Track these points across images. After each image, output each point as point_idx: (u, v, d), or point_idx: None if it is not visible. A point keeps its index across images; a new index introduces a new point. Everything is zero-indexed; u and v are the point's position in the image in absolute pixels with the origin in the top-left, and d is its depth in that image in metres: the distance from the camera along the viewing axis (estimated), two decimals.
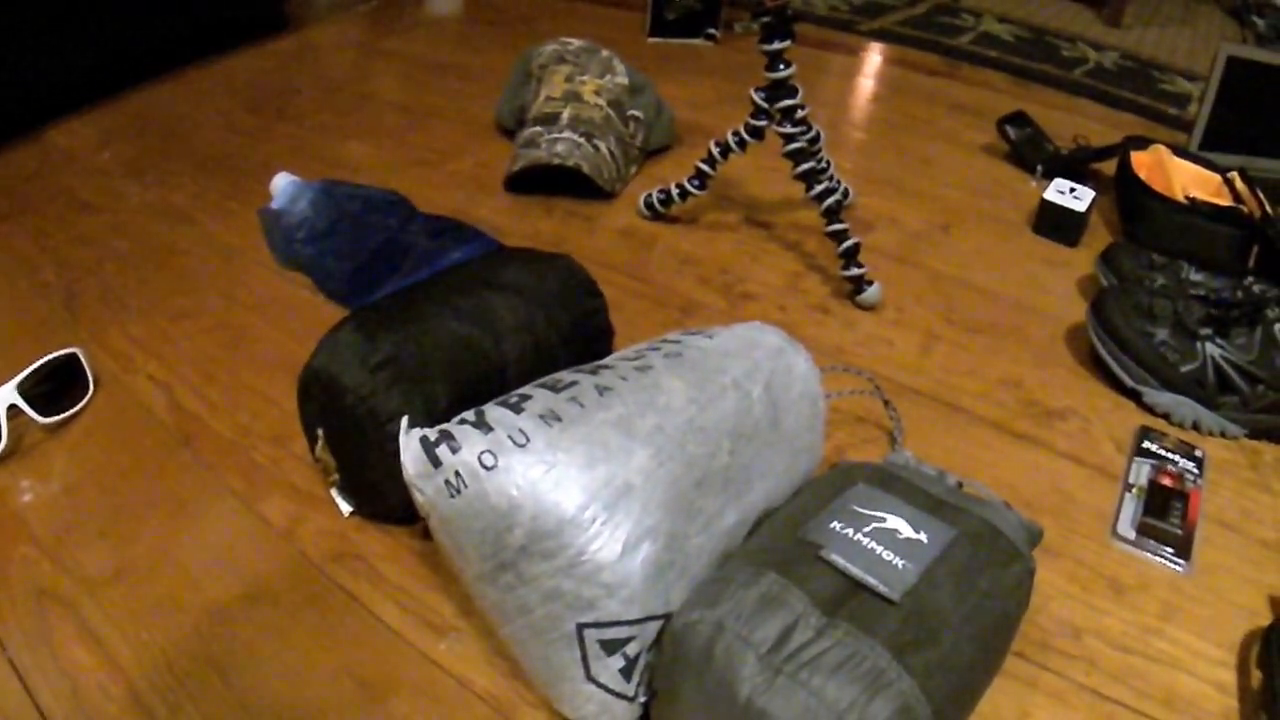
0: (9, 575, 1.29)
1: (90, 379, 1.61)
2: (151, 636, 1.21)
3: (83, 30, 2.54)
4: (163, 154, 2.40)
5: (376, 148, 2.44)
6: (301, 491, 1.43)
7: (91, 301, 1.84)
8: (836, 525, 1.08)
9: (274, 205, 2.01)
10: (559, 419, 1.06)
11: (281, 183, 2.06)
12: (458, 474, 1.02)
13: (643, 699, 1.08)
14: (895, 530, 1.08)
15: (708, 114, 2.57)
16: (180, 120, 2.58)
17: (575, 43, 2.41)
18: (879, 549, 1.04)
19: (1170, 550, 1.38)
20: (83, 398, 1.59)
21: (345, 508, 1.39)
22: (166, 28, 2.81)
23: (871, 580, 1.00)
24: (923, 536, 1.07)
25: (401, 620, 1.24)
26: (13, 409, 1.49)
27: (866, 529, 1.07)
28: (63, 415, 1.55)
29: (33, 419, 1.51)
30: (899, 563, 1.03)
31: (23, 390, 1.50)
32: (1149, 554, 1.37)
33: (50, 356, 1.56)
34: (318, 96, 2.75)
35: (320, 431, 1.35)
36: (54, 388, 1.56)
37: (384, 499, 1.29)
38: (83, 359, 1.60)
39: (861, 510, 1.11)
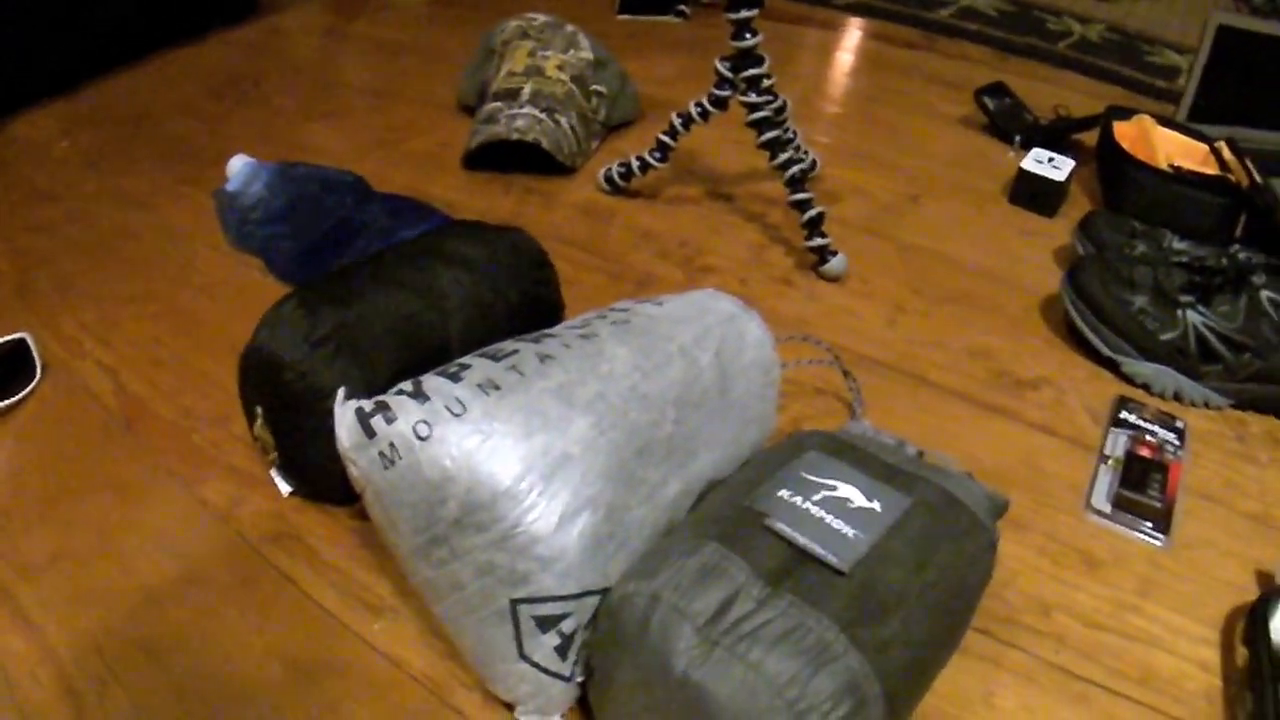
0: None
1: (38, 364, 1.59)
2: (86, 622, 1.19)
3: (51, 21, 2.52)
4: (124, 142, 2.38)
5: (338, 130, 2.43)
6: (241, 472, 1.41)
7: (44, 289, 1.83)
8: (784, 493, 1.04)
9: (229, 187, 1.99)
10: (497, 388, 1.04)
11: (237, 164, 2.04)
12: (392, 445, 1.00)
13: (579, 679, 1.06)
14: (846, 499, 1.04)
15: (674, 89, 2.55)
16: (143, 108, 2.57)
17: (540, 18, 2.39)
18: (828, 518, 1.01)
19: (1149, 524, 1.35)
20: (29, 383, 1.57)
21: (284, 488, 1.37)
22: (137, 16, 2.78)
23: (819, 550, 0.96)
24: (876, 505, 1.03)
25: (337, 601, 1.23)
26: None
27: (816, 497, 1.03)
28: (8, 401, 1.53)
29: None
30: (849, 532, 0.99)
31: None
32: (1126, 528, 1.34)
33: None
34: (282, 81, 2.74)
35: (259, 409, 1.33)
36: (1, 373, 1.54)
37: (322, 477, 1.29)
38: (31, 344, 1.59)
39: (811, 478, 1.07)
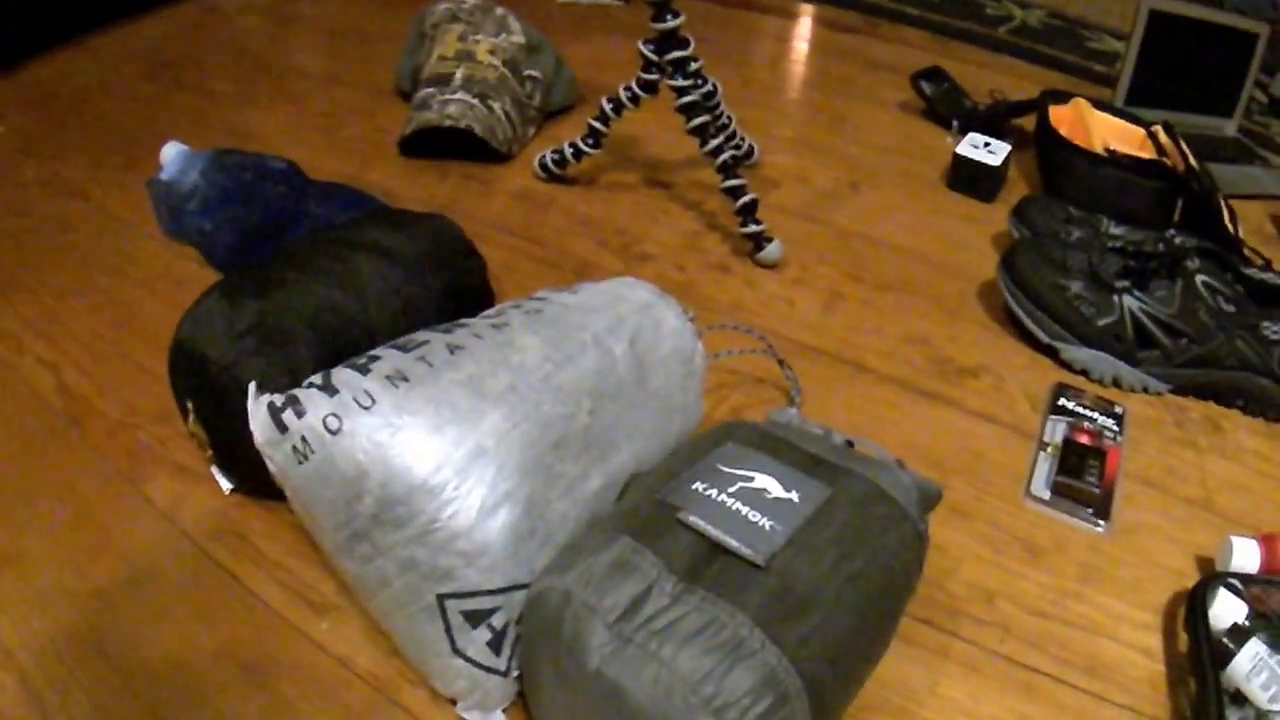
0: None
1: None
2: (42, 625, 1.19)
3: None
4: (58, 126, 2.36)
5: (275, 115, 2.41)
6: (185, 470, 1.41)
7: None
8: (699, 486, 1.03)
9: (163, 176, 1.97)
10: (405, 379, 1.04)
11: (171, 153, 2.01)
12: (304, 439, 1.00)
13: (516, 673, 1.06)
14: (764, 490, 1.03)
15: (616, 75, 2.51)
16: (79, 91, 2.54)
17: (469, 1, 2.37)
18: (744, 509, 1.00)
19: (1089, 510, 1.35)
20: None
21: (225, 485, 1.37)
22: None
23: (733, 542, 0.95)
24: (794, 496, 1.02)
25: (282, 599, 1.23)
26: None
27: (731, 489, 1.03)
28: None
29: None
30: (766, 524, 0.98)
31: None
32: (1065, 515, 1.35)
33: None
34: (220, 64, 2.71)
35: (190, 404, 1.32)
36: None
37: (256, 473, 1.25)
38: None
39: (726, 470, 1.06)
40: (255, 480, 1.28)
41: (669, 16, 1.74)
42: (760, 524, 0.98)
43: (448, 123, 2.06)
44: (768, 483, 1.04)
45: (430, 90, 2.16)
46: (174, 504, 1.35)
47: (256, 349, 1.22)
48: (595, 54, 2.69)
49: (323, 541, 1.07)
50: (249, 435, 1.12)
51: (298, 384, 1.07)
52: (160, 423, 1.48)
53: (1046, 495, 1.37)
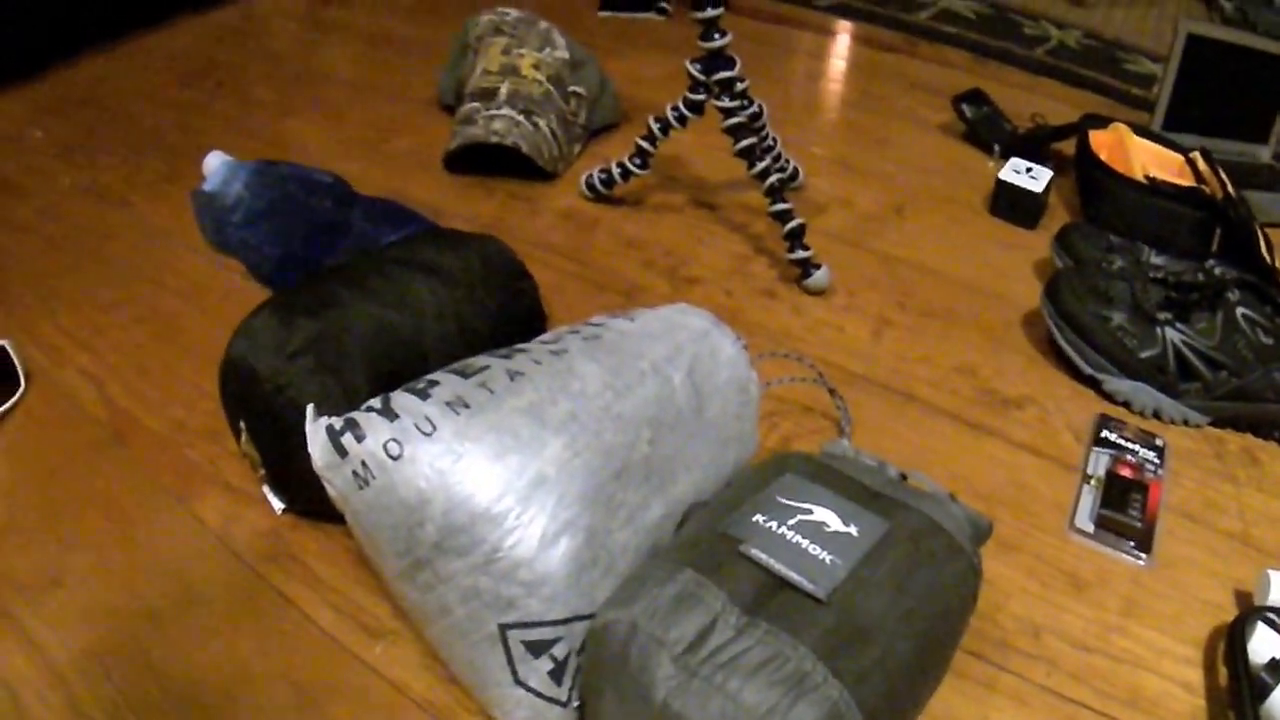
0: None
1: (21, 374, 1.57)
2: (90, 643, 1.18)
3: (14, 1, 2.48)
4: (96, 132, 2.36)
5: (316, 125, 2.42)
6: (235, 489, 1.40)
7: (21, 290, 1.80)
8: (760, 518, 1.04)
9: (206, 187, 1.97)
10: (467, 406, 1.03)
11: (214, 163, 2.01)
12: (364, 464, 1.00)
13: (576, 703, 1.06)
14: (823, 523, 1.03)
15: (658, 91, 2.53)
16: (115, 96, 2.54)
17: (513, 13, 2.37)
18: (805, 543, 1.00)
19: (1131, 543, 1.35)
20: (14, 394, 1.54)
21: (277, 505, 1.36)
22: None
23: (796, 577, 0.96)
24: (853, 530, 1.03)
25: (336, 623, 1.22)
26: None
27: (791, 522, 1.03)
28: None
29: None
30: (826, 558, 0.99)
31: None
32: (1108, 548, 1.35)
33: None
34: (258, 71, 2.72)
35: (243, 424, 1.32)
36: None
37: (311, 493, 1.24)
38: (12, 353, 1.57)
39: (787, 502, 1.06)
40: (309, 501, 1.31)
41: (716, 35, 1.74)
42: (820, 558, 0.98)
43: (494, 139, 2.06)
44: (827, 516, 1.04)
45: (475, 105, 2.15)
46: (225, 524, 1.34)
47: (311, 369, 1.22)
48: (635, 69, 2.69)
49: (383, 567, 1.08)
50: (303, 456, 1.12)
51: (352, 405, 1.07)
52: (209, 440, 1.47)
53: (1090, 528, 1.37)
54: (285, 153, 2.21)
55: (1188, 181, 2.00)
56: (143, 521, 1.35)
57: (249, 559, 1.29)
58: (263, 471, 1.34)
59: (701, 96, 1.84)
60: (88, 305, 1.76)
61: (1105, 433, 1.52)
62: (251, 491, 1.39)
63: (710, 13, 1.71)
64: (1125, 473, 1.45)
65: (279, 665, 1.17)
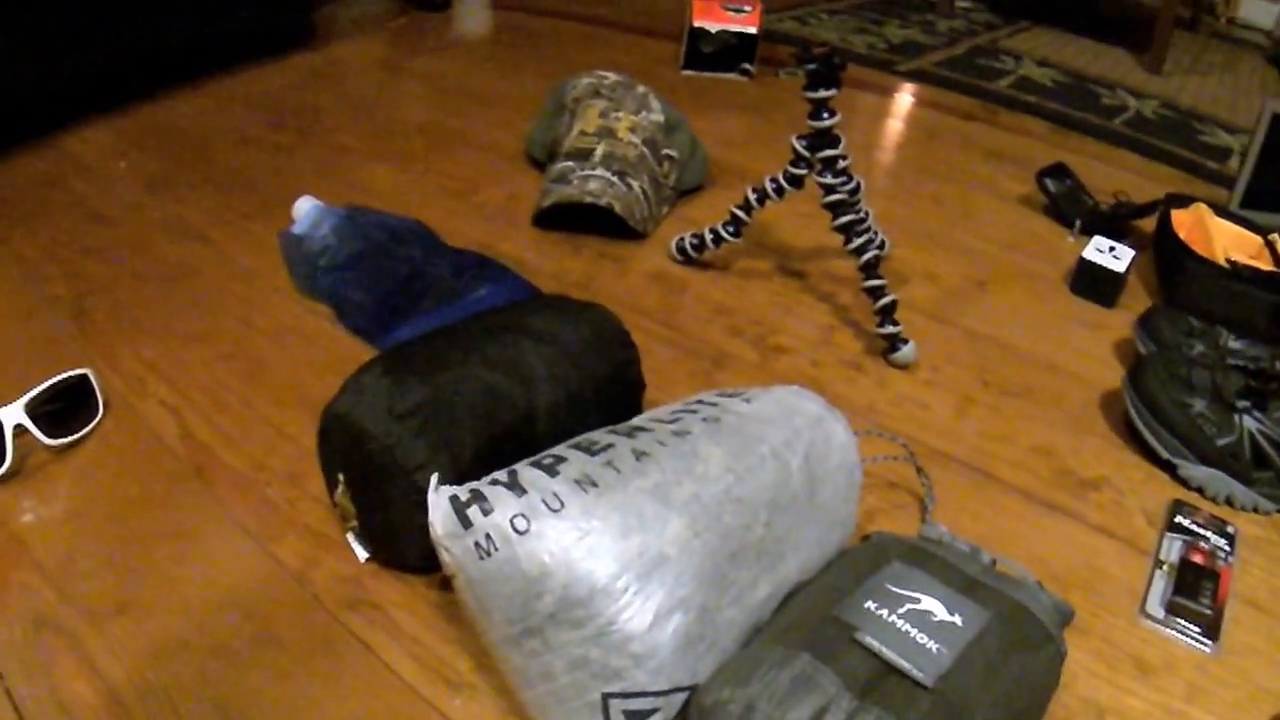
0: (7, 600, 1.26)
1: (100, 402, 1.57)
2: (157, 675, 1.17)
3: (101, 33, 2.53)
4: (180, 167, 2.40)
5: (402, 173, 2.44)
6: (316, 533, 1.40)
7: (102, 318, 1.82)
8: (871, 605, 1.07)
9: (295, 230, 1.99)
10: (595, 484, 1.05)
11: (304, 206, 2.04)
12: (489, 536, 1.01)
13: None
14: (929, 612, 1.06)
15: (740, 152, 2.55)
16: (199, 133, 2.58)
17: (611, 77, 2.40)
18: (913, 631, 1.03)
19: (1198, 630, 1.35)
20: (91, 420, 1.55)
21: (361, 553, 1.36)
22: (189, 34, 2.81)
23: (905, 664, 0.99)
24: (957, 619, 1.06)
25: (415, 673, 1.21)
26: (19, 428, 1.46)
27: (901, 610, 1.06)
28: (70, 438, 1.51)
29: (39, 440, 1.48)
30: (932, 646, 1.02)
31: (30, 410, 1.47)
32: (1176, 633, 1.35)
33: (61, 376, 1.54)
34: (342, 115, 2.75)
35: (341, 477, 1.32)
36: (62, 408, 1.53)
37: (403, 548, 1.27)
38: (93, 381, 1.57)
39: (896, 590, 1.09)
40: (397, 554, 1.32)
41: (826, 115, 1.77)
42: (928, 646, 1.02)
43: (589, 199, 2.09)
44: (933, 605, 1.08)
45: (569, 164, 2.18)
46: (305, 567, 1.34)
47: (419, 431, 1.22)
48: (716, 128, 2.72)
49: (487, 630, 1.08)
50: (401, 512, 1.15)
51: (458, 468, 1.10)
52: (289, 482, 1.47)
53: (1161, 614, 1.37)
54: (371, 199, 2.25)
55: (1267, 265, 2.01)
56: (218, 557, 1.35)
57: (328, 603, 1.29)
58: (354, 523, 1.35)
59: (803, 171, 1.86)
60: (171, 338, 1.78)
61: (1179, 518, 1.53)
62: (332, 536, 1.39)
63: (823, 93, 1.74)
64: (1198, 559, 1.45)
65: (354, 711, 1.16)
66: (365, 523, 1.33)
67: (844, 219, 1.82)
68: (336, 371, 1.65)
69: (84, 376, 1.56)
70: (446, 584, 1.12)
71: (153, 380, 1.67)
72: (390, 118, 2.76)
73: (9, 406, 1.46)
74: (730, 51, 3.24)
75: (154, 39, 2.69)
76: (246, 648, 1.22)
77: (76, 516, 1.39)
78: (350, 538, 1.37)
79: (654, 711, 1.02)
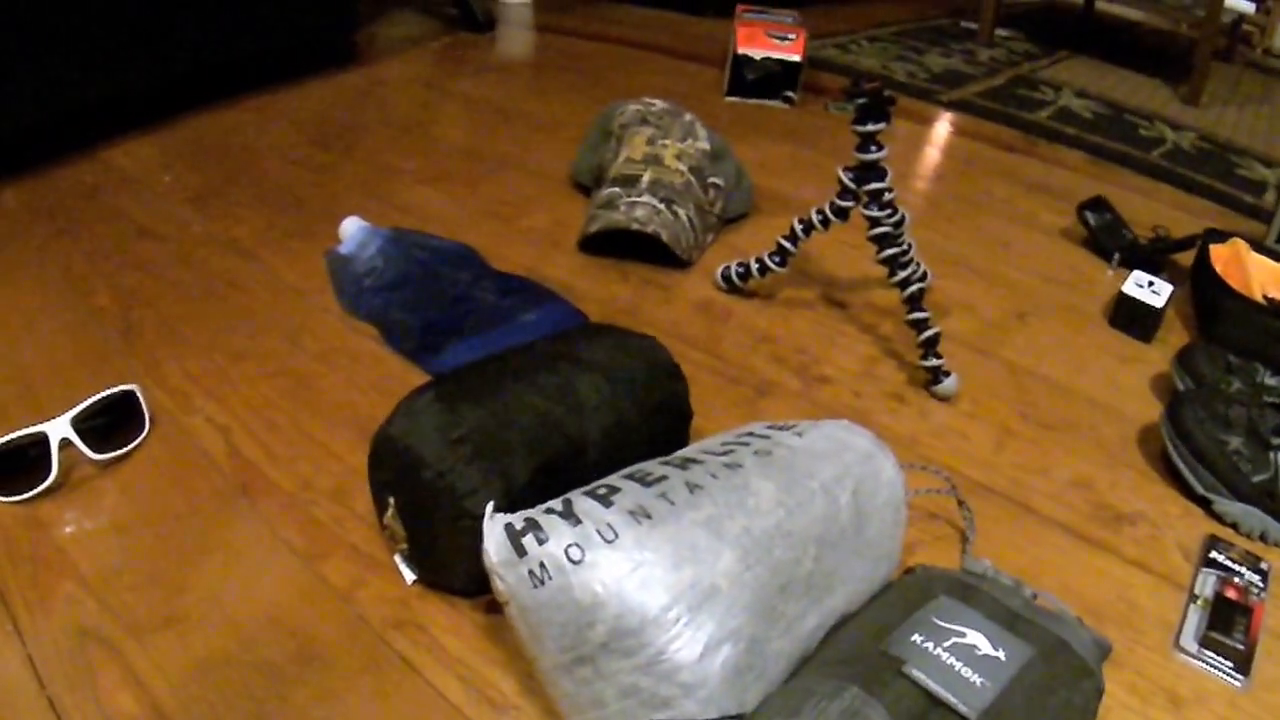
0: (52, 611, 1.26)
1: (146, 417, 1.58)
2: (201, 690, 1.17)
3: (147, 47, 2.56)
4: (225, 183, 2.42)
5: (447, 195, 2.45)
6: (363, 554, 1.40)
7: (148, 332, 1.84)
8: (917, 638, 1.08)
9: (342, 250, 2.00)
10: (649, 516, 1.07)
11: (351, 227, 2.05)
12: (543, 565, 1.04)
13: None
14: (975, 646, 1.08)
15: (784, 180, 2.57)
16: (244, 149, 2.61)
17: (658, 104, 2.42)
18: (959, 665, 1.05)
19: (1230, 664, 1.36)
20: (138, 435, 1.56)
21: (409, 575, 1.36)
22: (233, 51, 2.84)
23: (951, 698, 1.00)
24: (1001, 654, 1.08)
25: (462, 695, 1.21)
26: (64, 442, 1.46)
27: (947, 644, 1.08)
28: (116, 453, 1.53)
29: (85, 454, 1.49)
30: (978, 681, 1.03)
31: (77, 424, 1.48)
32: (1209, 667, 1.36)
33: (107, 392, 1.54)
34: (385, 135, 2.77)
35: (391, 500, 1.33)
36: (109, 422, 1.53)
37: (452, 572, 1.28)
38: (140, 396, 1.58)
39: (942, 624, 1.11)
40: (445, 578, 1.32)
41: (874, 148, 1.78)
42: (972, 680, 1.03)
43: (635, 226, 2.10)
44: (978, 640, 1.09)
45: (615, 190, 2.20)
46: (351, 586, 1.34)
47: (472, 457, 1.23)
48: (759, 155, 2.73)
49: (540, 658, 1.09)
50: (452, 536, 1.16)
51: (511, 494, 1.12)
52: (336, 501, 1.48)
53: (1194, 649, 1.38)
54: (416, 220, 2.26)
55: None
56: (264, 574, 1.35)
57: (375, 624, 1.29)
58: (404, 546, 1.36)
59: (850, 204, 1.88)
60: (217, 354, 1.79)
61: (1213, 553, 1.54)
62: (379, 557, 1.39)
63: (871, 128, 1.76)
64: (1231, 594, 1.47)
65: None
66: (415, 545, 1.34)
67: (889, 251, 1.84)
68: (384, 392, 1.67)
69: (130, 392, 1.57)
70: (492, 606, 1.13)
71: (199, 396, 1.68)
72: (434, 138, 2.78)
73: (56, 420, 1.47)
74: (773, 79, 3.27)
75: (198, 57, 2.71)
76: (291, 665, 1.22)
77: (122, 530, 1.40)
78: (398, 559, 1.38)
79: None
